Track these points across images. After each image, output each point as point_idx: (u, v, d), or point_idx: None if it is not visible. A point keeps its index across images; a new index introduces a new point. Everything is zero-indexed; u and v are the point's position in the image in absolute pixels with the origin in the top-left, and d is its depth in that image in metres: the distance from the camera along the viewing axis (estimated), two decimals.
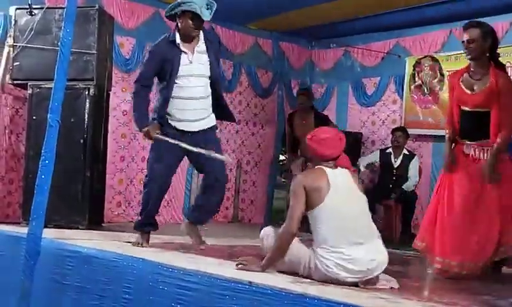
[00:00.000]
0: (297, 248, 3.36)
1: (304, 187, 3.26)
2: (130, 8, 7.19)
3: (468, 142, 4.26)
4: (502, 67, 4.29)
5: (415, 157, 7.29)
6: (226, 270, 3.29)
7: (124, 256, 3.68)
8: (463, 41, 4.27)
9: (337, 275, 3.15)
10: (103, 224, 5.75)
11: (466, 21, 4.41)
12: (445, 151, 4.39)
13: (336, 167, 3.41)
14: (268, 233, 3.60)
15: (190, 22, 4.31)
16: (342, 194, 3.28)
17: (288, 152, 7.48)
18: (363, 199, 3.40)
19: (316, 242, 3.29)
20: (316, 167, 3.43)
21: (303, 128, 7.11)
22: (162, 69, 4.31)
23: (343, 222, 3.22)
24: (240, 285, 2.89)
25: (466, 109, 4.27)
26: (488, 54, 4.19)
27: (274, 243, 3.35)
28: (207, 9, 4.42)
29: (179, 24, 4.35)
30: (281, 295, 2.72)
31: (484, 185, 4.07)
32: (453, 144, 4.36)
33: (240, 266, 3.38)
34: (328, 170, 3.36)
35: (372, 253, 3.21)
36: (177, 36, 4.34)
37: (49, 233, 4.20)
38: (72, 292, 3.84)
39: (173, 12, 4.37)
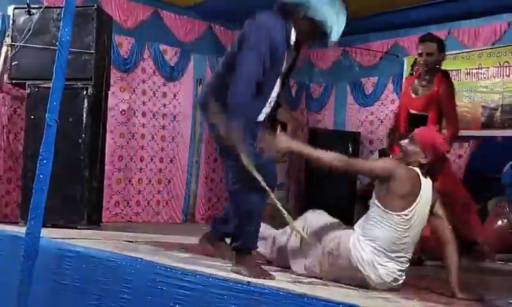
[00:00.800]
0: (328, 223, 3.32)
1: (393, 175, 3.03)
2: (129, 8, 7.20)
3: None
4: (446, 74, 4.80)
5: None
6: (225, 270, 3.29)
7: (123, 256, 3.67)
8: (419, 53, 4.69)
9: (362, 270, 3.07)
10: (101, 224, 5.75)
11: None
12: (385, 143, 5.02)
13: (426, 176, 3.15)
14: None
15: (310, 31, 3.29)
16: (419, 212, 3.07)
17: None
18: (424, 222, 3.16)
19: (365, 232, 3.11)
20: (413, 168, 3.13)
21: None
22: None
23: (404, 238, 3.06)
24: (238, 285, 2.89)
25: (411, 111, 4.75)
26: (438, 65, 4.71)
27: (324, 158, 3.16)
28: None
29: (298, 25, 3.27)
30: (279, 295, 2.72)
31: None
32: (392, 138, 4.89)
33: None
34: (421, 177, 3.11)
35: (400, 273, 3.12)
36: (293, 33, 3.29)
37: (47, 233, 4.20)
38: (71, 292, 3.83)
39: (300, 8, 3.22)
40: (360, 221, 3.22)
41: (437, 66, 4.73)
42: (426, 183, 3.11)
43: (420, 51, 4.71)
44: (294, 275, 3.34)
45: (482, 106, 7.33)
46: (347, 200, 7.92)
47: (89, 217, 5.42)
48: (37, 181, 3.74)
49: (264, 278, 3.07)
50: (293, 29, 3.23)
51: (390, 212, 3.03)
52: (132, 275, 3.46)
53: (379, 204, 3.07)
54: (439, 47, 4.72)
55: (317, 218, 3.44)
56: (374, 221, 3.09)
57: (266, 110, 3.37)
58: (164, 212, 7.70)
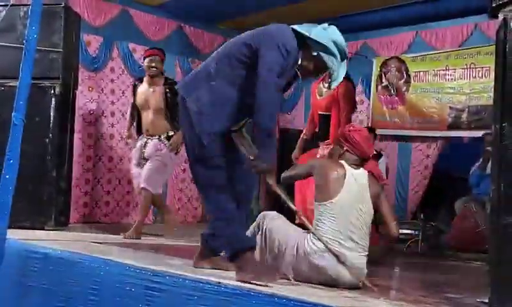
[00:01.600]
0: (286, 229, 3.39)
1: (313, 170, 3.37)
2: (98, 6, 7.13)
3: (320, 143, 5.21)
4: (348, 77, 4.94)
5: (382, 157, 7.36)
6: (195, 270, 3.28)
7: (91, 257, 3.63)
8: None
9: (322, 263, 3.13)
10: (69, 225, 5.68)
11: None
12: (297, 146, 5.36)
13: (359, 168, 3.36)
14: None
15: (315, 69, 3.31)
16: (350, 198, 3.22)
17: (129, 127, 5.89)
18: (368, 212, 3.28)
19: (316, 229, 3.21)
20: (338, 160, 3.38)
21: (148, 97, 5.63)
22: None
23: (344, 225, 3.17)
24: (208, 285, 2.88)
25: (319, 113, 5.23)
26: None
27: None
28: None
29: (307, 59, 3.24)
30: (249, 296, 2.72)
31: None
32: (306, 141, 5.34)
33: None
34: (347, 168, 3.30)
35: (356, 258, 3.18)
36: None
37: (14, 234, 4.13)
38: (38, 294, 3.77)
39: (318, 47, 3.23)
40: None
41: None
42: (357, 174, 3.30)
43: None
44: None
45: (450, 107, 7.44)
46: None
47: (56, 218, 5.35)
48: (3, 182, 3.68)
49: (273, 279, 3.00)
50: (300, 59, 3.21)
51: (321, 203, 3.22)
52: (100, 276, 3.42)
53: (314, 201, 3.29)
54: None
55: (276, 224, 3.46)
56: (317, 218, 3.24)
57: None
58: (134, 212, 7.63)
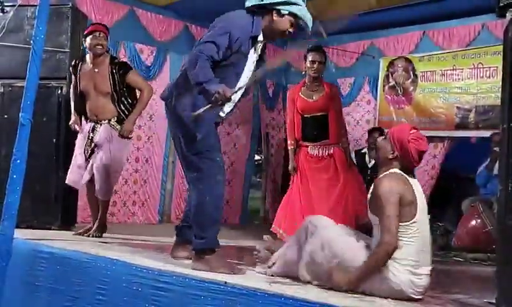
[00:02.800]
0: (347, 242, 3.10)
1: (400, 196, 2.92)
2: (104, 6, 7.13)
3: (312, 144, 5.38)
4: (327, 82, 5.55)
5: None
6: (198, 271, 3.28)
7: (98, 257, 3.64)
8: (313, 61, 5.35)
9: (405, 292, 2.92)
10: (76, 225, 5.69)
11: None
12: (290, 160, 5.47)
13: (413, 176, 3.11)
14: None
15: (289, 26, 3.58)
16: (423, 210, 3.02)
17: (74, 111, 5.13)
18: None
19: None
20: (397, 172, 3.06)
21: (93, 78, 5.06)
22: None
23: (425, 241, 2.99)
24: (215, 285, 2.88)
25: (308, 115, 5.39)
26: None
27: (370, 259, 2.91)
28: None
29: (277, 23, 3.55)
30: (256, 295, 2.72)
31: (330, 176, 5.28)
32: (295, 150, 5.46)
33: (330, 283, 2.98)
34: (409, 178, 3.04)
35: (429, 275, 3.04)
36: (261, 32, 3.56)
37: (21, 234, 4.15)
38: (45, 293, 3.79)
39: (281, 6, 3.51)
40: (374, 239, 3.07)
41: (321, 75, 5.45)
42: (415, 183, 3.06)
43: (313, 59, 5.37)
44: (270, 276, 3.33)
45: (457, 107, 7.41)
46: None
47: (63, 217, 5.36)
48: (10, 182, 3.70)
49: (227, 271, 3.18)
50: (262, 28, 3.52)
51: (401, 223, 2.92)
52: (107, 276, 3.43)
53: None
54: (325, 57, 5.57)
55: (334, 234, 3.19)
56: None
57: (227, 108, 3.64)
58: (140, 212, 7.65)
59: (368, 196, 3.13)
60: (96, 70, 5.03)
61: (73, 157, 5.11)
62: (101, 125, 5.02)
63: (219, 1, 6.89)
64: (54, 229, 5.20)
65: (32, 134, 3.81)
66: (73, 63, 5.18)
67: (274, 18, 3.51)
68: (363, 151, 7.42)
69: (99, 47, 5.03)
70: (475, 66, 7.22)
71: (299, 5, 3.53)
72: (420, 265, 2.94)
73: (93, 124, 5.03)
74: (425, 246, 2.98)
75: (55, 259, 3.81)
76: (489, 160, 6.53)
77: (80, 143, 5.09)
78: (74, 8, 5.62)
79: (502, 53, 2.58)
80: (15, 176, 3.68)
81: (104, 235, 5.03)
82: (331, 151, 5.34)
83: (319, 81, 5.42)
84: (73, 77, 5.13)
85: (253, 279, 3.15)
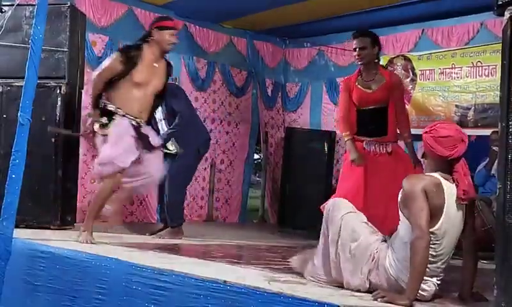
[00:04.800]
0: (363, 232, 3.03)
1: (425, 192, 2.80)
2: (103, 6, 7.13)
3: (368, 139, 4.77)
4: (385, 68, 5.00)
5: None
6: (201, 269, 3.28)
7: (97, 257, 3.64)
8: (354, 48, 4.78)
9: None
10: (75, 224, 5.68)
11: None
12: (351, 150, 4.72)
13: (453, 180, 2.90)
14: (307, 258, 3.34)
15: None
16: (450, 225, 2.87)
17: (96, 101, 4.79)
18: (458, 237, 2.96)
19: (399, 248, 2.90)
20: (433, 175, 2.92)
21: (153, 73, 4.86)
22: None
23: (437, 257, 2.89)
24: (214, 284, 2.88)
25: (365, 108, 4.82)
26: (377, 58, 4.83)
27: (413, 262, 2.74)
28: None
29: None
30: (255, 294, 2.72)
31: (383, 176, 4.54)
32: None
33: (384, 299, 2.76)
34: (444, 183, 2.87)
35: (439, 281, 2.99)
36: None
37: (20, 233, 4.14)
38: (44, 293, 3.79)
39: None
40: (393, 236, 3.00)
41: (376, 61, 4.85)
42: (452, 190, 2.89)
43: (354, 46, 4.81)
44: (270, 274, 3.33)
45: (456, 105, 7.42)
46: (322, 196, 7.94)
47: (62, 217, 5.36)
48: (9, 182, 3.69)
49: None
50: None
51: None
52: (106, 275, 3.43)
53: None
54: (372, 41, 4.79)
55: (351, 220, 3.13)
56: (402, 241, 2.91)
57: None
58: (139, 211, 7.64)
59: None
60: (156, 66, 4.81)
61: (114, 142, 4.57)
62: (145, 126, 4.76)
63: (217, 0, 6.84)
64: (53, 229, 5.20)
65: (31, 134, 3.80)
66: (126, 48, 4.97)
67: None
68: None
69: (172, 45, 4.89)
70: (474, 64, 7.21)
71: None
72: (429, 274, 2.86)
73: (136, 123, 4.66)
74: (438, 258, 2.88)
75: (54, 259, 3.81)
76: (488, 159, 6.52)
77: (130, 143, 4.60)
78: (73, 7, 5.62)
79: (500, 51, 2.58)
80: (13, 176, 3.68)
81: (103, 234, 5.03)
82: (390, 148, 4.74)
83: (376, 69, 4.84)
84: (121, 57, 4.74)
85: (252, 277, 3.15)
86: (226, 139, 8.63)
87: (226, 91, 8.59)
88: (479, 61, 7.17)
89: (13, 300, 3.85)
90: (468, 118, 7.32)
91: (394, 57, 7.93)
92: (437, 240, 2.84)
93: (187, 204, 8.18)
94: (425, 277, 2.83)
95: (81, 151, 6.22)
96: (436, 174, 2.90)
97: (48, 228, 5.19)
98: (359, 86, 4.83)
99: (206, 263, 3.85)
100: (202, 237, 5.84)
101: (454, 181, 2.89)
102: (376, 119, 4.82)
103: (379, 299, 2.73)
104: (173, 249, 4.64)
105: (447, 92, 7.49)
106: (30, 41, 3.85)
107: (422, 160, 3.24)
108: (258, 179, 12.48)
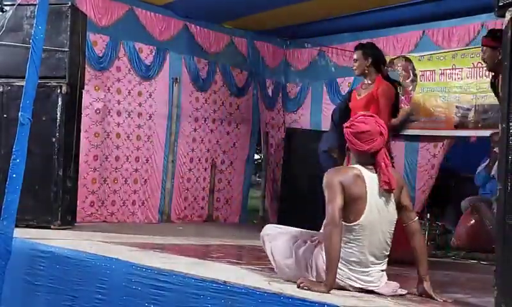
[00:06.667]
0: (302, 250, 3.14)
1: (341, 184, 2.90)
2: (104, 5, 7.13)
3: None
4: (388, 79, 5.16)
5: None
6: (201, 269, 3.28)
7: (97, 256, 3.64)
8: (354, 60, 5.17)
9: (348, 286, 2.96)
10: (75, 224, 5.69)
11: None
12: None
13: (375, 171, 2.99)
14: (269, 232, 3.38)
15: None
16: (376, 213, 2.94)
17: None
18: (393, 222, 3.02)
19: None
20: (354, 166, 3.03)
21: None
22: None
23: (370, 247, 2.94)
24: (215, 285, 2.88)
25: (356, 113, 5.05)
26: (374, 68, 5.08)
27: (325, 248, 2.91)
28: None
29: None
30: (255, 294, 2.72)
31: None
32: None
33: (306, 285, 2.90)
34: (365, 173, 2.97)
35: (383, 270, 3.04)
36: None
37: (21, 233, 4.15)
38: (44, 293, 3.79)
39: None
40: None
41: (373, 69, 5.11)
42: (374, 180, 2.98)
43: (353, 57, 5.24)
44: (270, 274, 3.32)
45: (456, 106, 7.40)
46: (323, 196, 7.96)
47: (63, 217, 5.37)
48: (10, 181, 3.70)
49: None
50: None
51: (346, 224, 2.93)
52: (107, 275, 3.43)
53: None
54: (363, 53, 5.13)
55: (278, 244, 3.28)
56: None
57: None
58: (140, 212, 7.64)
59: None
60: None
61: None
62: None
63: (218, 0, 6.85)
64: (53, 229, 5.21)
65: (32, 133, 3.81)
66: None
67: None
68: None
69: None
70: (475, 65, 7.20)
71: None
72: (365, 263, 2.94)
73: None
74: (370, 248, 2.94)
75: (54, 259, 3.81)
76: (488, 160, 6.52)
77: None
78: (74, 7, 5.63)
79: (501, 52, 2.58)
80: (14, 175, 3.68)
81: (103, 234, 5.04)
82: None
83: (371, 78, 5.11)
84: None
85: (252, 278, 3.15)
86: (227, 139, 8.63)
87: (227, 92, 8.59)
88: (479, 62, 7.13)
89: (13, 300, 3.85)
90: (469, 119, 7.31)
91: (395, 58, 7.92)
92: (363, 231, 2.92)
93: (188, 205, 8.20)
94: (364, 269, 2.93)
95: (82, 151, 6.23)
96: (358, 166, 3.01)
97: (49, 228, 5.19)
98: (355, 92, 5.28)
99: (206, 263, 3.85)
100: (202, 237, 5.85)
101: (376, 172, 2.99)
102: None
103: (301, 284, 2.87)
104: (173, 249, 4.64)
105: (448, 93, 7.48)
106: (31, 40, 3.86)
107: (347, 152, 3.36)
108: (258, 179, 12.47)
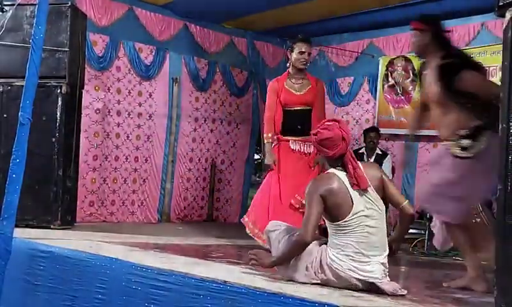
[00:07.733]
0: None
1: (321, 197, 3.04)
2: (104, 5, 7.13)
3: (294, 139, 5.14)
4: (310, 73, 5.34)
5: (388, 156, 7.33)
6: (201, 269, 3.28)
7: (97, 256, 3.64)
8: (301, 52, 5.16)
9: (350, 278, 3.03)
10: (75, 224, 5.69)
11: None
12: (268, 154, 5.16)
13: (344, 168, 3.12)
14: (275, 228, 3.43)
15: None
16: (363, 206, 3.06)
17: None
18: (382, 212, 3.13)
19: (333, 244, 3.10)
20: (329, 171, 3.16)
21: None
22: None
23: (365, 238, 3.03)
24: (214, 284, 2.88)
25: (291, 108, 5.19)
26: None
27: (286, 247, 3.17)
28: None
29: None
30: (255, 294, 2.72)
31: (305, 175, 4.84)
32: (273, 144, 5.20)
33: (252, 261, 3.23)
34: (340, 175, 3.10)
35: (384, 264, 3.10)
36: None
37: (20, 233, 4.15)
38: (44, 293, 3.79)
39: None
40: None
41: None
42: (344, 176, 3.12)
43: (303, 50, 5.17)
44: (269, 274, 3.33)
45: None
46: None
47: (63, 217, 5.37)
48: (10, 181, 3.69)
49: None
50: None
51: (335, 223, 3.07)
52: (106, 275, 3.43)
53: (329, 224, 3.15)
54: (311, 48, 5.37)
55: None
56: (332, 234, 3.13)
57: None
58: (139, 211, 7.65)
59: None
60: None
61: None
62: None
63: (218, 0, 6.84)
64: (53, 229, 5.21)
65: (32, 133, 3.80)
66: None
67: None
68: (361, 151, 7.40)
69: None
70: None
71: None
72: (363, 253, 3.02)
73: None
74: (366, 238, 3.03)
75: (54, 259, 3.81)
76: None
77: None
78: (73, 7, 5.63)
79: (501, 52, 2.58)
80: (14, 175, 3.68)
81: (103, 234, 5.04)
82: (312, 149, 4.99)
83: (304, 73, 5.25)
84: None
85: (252, 278, 3.15)
86: (227, 139, 8.64)
87: (227, 91, 8.59)
88: (479, 62, 7.16)
89: (13, 300, 3.85)
90: None
91: (394, 58, 7.93)
92: (355, 224, 3.03)
93: (188, 205, 8.20)
94: (361, 259, 3.00)
95: (81, 151, 6.23)
96: (332, 170, 3.15)
97: (49, 228, 5.19)
98: (287, 87, 5.21)
99: (206, 263, 3.85)
100: (202, 237, 5.85)
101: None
102: (301, 119, 5.17)
103: (252, 261, 3.20)
104: (173, 249, 4.64)
105: None
106: (31, 40, 3.86)
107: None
108: (258, 179, 12.47)
